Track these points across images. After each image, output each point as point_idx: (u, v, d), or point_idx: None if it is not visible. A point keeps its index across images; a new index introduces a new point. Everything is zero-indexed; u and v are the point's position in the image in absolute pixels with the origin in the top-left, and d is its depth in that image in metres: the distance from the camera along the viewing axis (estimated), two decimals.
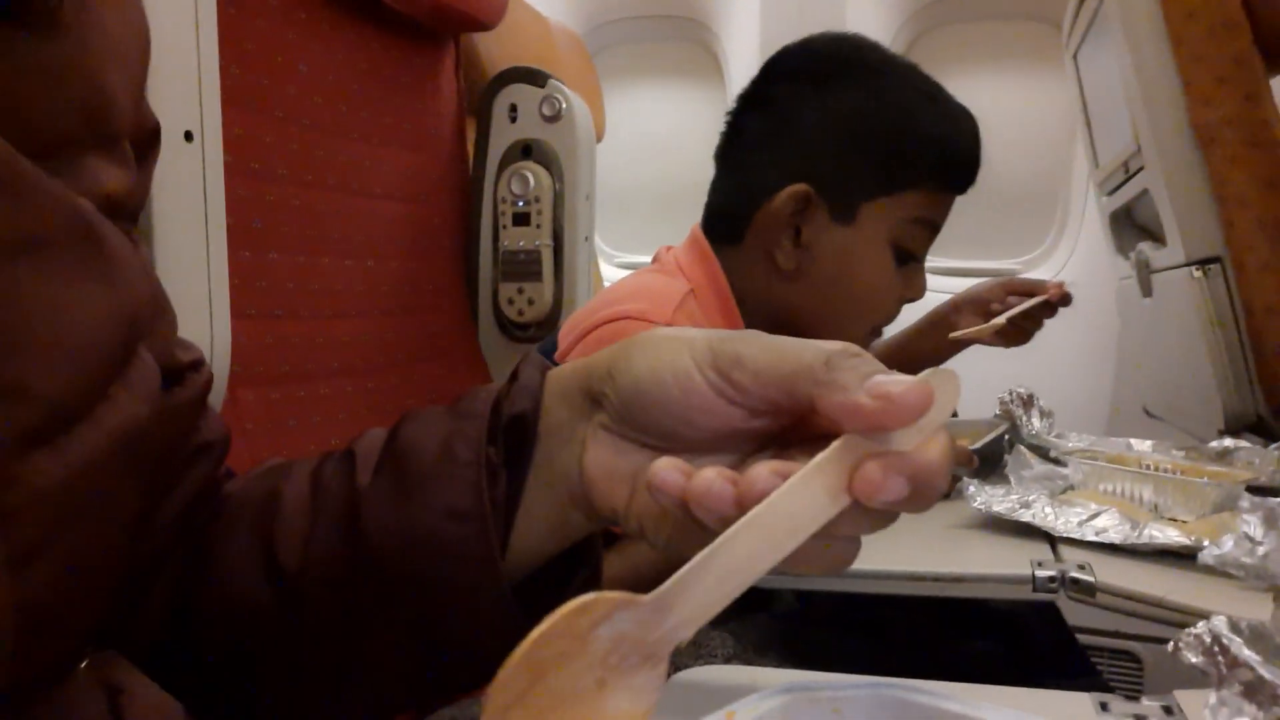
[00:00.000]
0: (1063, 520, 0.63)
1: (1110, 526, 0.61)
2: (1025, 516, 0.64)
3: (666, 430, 0.33)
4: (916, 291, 0.87)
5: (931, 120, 0.82)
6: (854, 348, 0.30)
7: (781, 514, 0.27)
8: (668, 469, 0.30)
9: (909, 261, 0.84)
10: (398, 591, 0.36)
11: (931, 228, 0.85)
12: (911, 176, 0.81)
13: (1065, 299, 0.96)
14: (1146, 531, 0.59)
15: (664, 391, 0.32)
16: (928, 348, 1.05)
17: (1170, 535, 0.59)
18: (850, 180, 0.81)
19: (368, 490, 0.37)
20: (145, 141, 0.37)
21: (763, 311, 0.86)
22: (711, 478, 0.29)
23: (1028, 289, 1.00)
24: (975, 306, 1.01)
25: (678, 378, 0.32)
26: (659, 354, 0.33)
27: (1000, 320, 0.93)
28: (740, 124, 0.91)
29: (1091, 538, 0.61)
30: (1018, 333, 0.98)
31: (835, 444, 0.28)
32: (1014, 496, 0.68)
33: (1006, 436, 0.92)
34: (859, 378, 0.28)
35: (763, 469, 0.28)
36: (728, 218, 0.88)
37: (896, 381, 0.28)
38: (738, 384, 0.31)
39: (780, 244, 0.82)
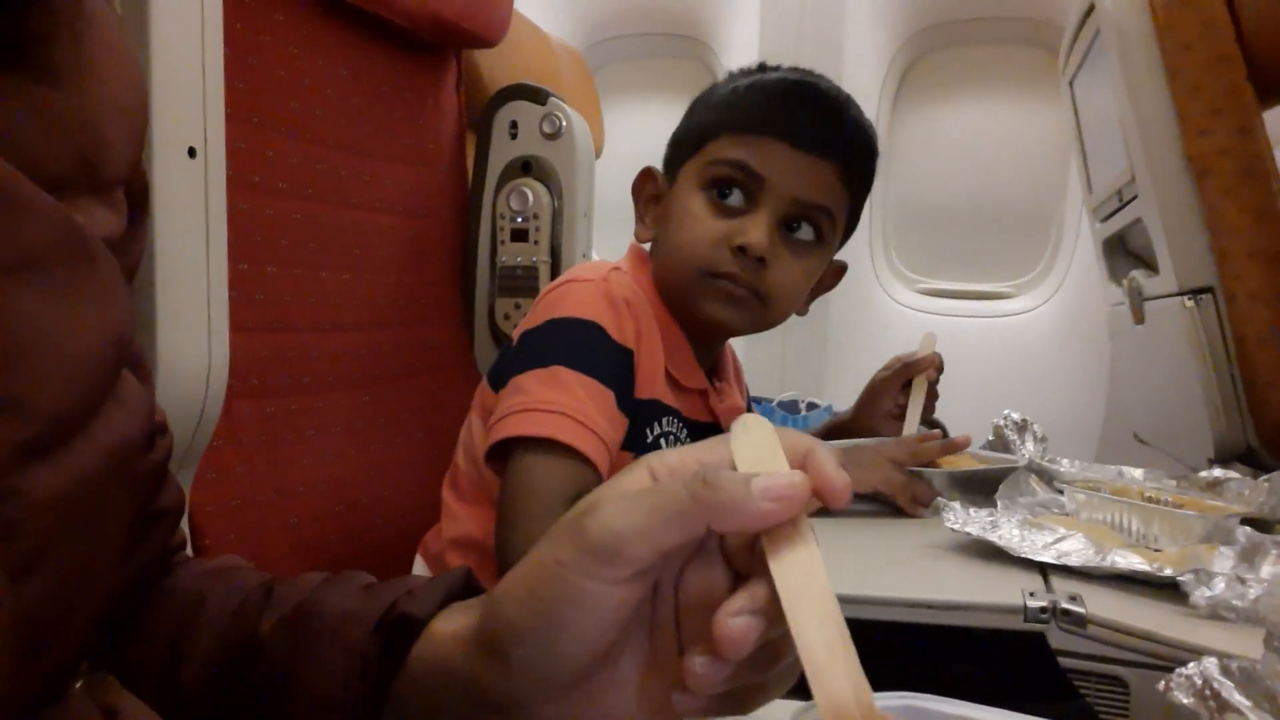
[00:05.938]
0: (1028, 542, 0.63)
1: (1074, 550, 0.61)
2: (991, 537, 0.65)
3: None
4: (748, 237, 0.86)
5: (731, 81, 0.93)
6: (708, 471, 0.28)
7: None
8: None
9: (736, 213, 0.86)
10: None
11: (740, 168, 0.86)
12: (709, 131, 0.90)
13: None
14: (1110, 557, 0.59)
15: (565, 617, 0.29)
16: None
17: (1133, 561, 0.59)
18: (673, 152, 0.94)
19: (267, 636, 0.38)
20: (136, 198, 0.37)
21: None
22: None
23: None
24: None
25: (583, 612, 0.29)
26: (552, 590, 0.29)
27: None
28: None
29: (1052, 560, 0.61)
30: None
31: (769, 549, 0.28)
32: (988, 518, 0.68)
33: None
34: (742, 486, 0.27)
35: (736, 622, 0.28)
36: None
37: (779, 478, 0.28)
38: (617, 574, 0.29)
39: (643, 219, 0.96)
